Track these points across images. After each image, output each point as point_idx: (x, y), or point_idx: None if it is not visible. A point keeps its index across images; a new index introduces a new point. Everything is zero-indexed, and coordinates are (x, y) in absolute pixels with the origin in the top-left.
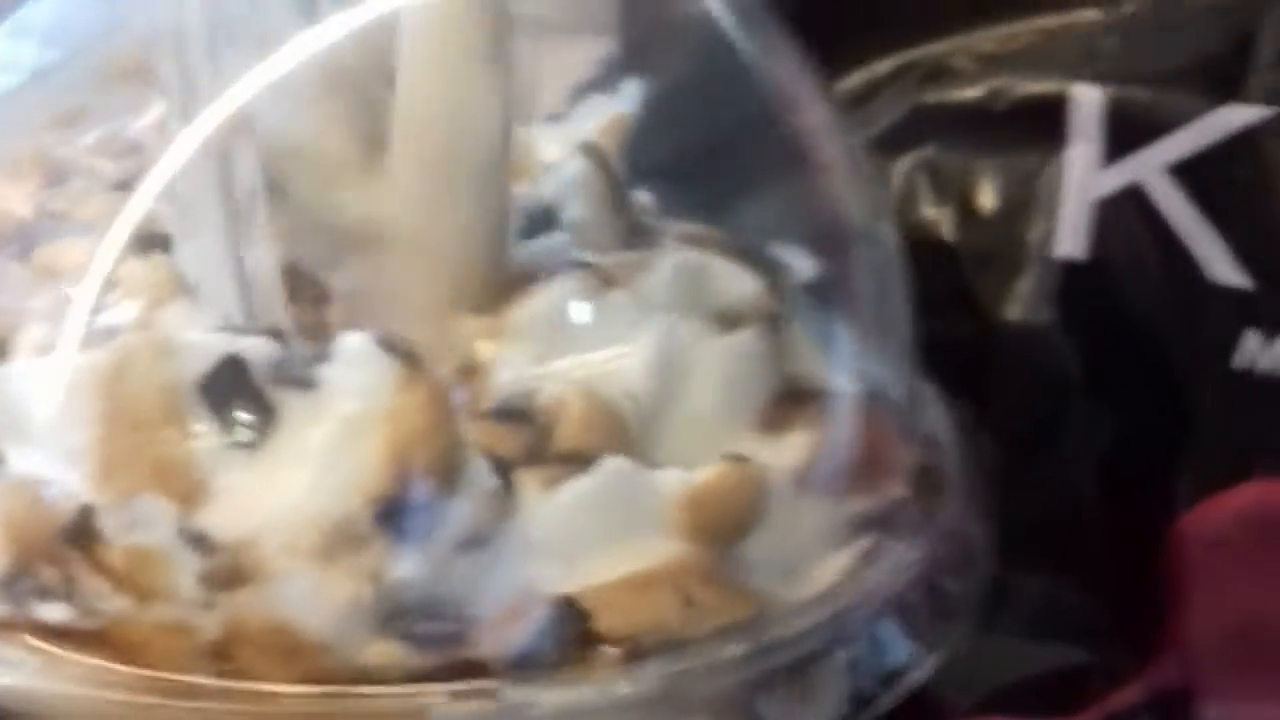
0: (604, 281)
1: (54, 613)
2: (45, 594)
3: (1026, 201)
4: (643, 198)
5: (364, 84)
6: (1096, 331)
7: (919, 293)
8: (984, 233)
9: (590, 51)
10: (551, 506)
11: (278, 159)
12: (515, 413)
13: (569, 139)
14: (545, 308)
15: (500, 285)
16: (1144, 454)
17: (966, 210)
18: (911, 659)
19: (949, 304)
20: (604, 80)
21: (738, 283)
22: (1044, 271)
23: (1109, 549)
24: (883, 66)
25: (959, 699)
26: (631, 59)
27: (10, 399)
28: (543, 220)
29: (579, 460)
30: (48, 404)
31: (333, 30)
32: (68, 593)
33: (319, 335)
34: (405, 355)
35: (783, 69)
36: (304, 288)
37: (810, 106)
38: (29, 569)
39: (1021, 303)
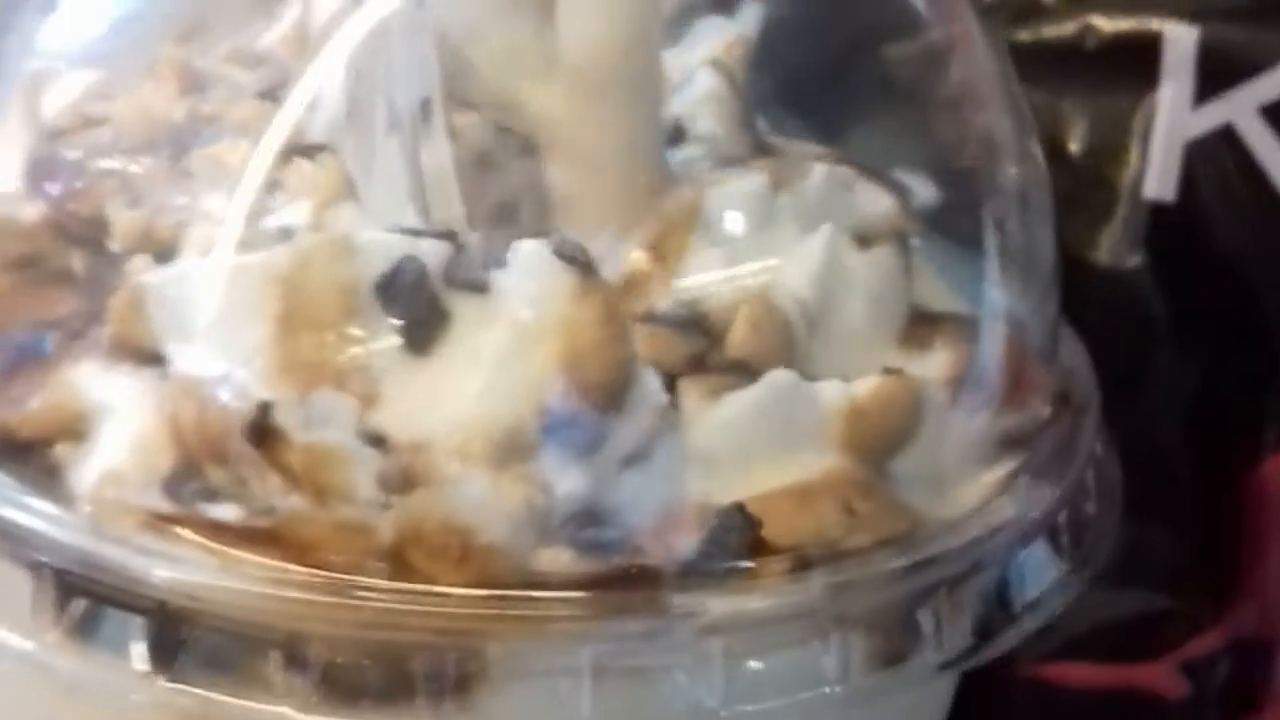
0: (774, 184)
1: (223, 512)
2: (213, 495)
3: (1116, 142)
4: (760, 123)
5: None
6: (1185, 275)
7: None
8: (1072, 174)
9: None
10: (715, 419)
11: (457, 52)
12: (683, 320)
13: (687, 59)
14: (725, 210)
15: (658, 193)
16: (1230, 399)
17: (1055, 151)
18: (1057, 581)
19: None
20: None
21: (873, 199)
22: (1133, 214)
23: (1193, 495)
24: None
25: (1036, 645)
26: None
27: (177, 297)
28: (673, 136)
29: (745, 370)
30: (220, 302)
31: None
32: (236, 492)
33: (494, 239)
34: (581, 264)
35: None
36: (481, 190)
37: (957, 17)
38: (196, 469)
39: (1110, 245)
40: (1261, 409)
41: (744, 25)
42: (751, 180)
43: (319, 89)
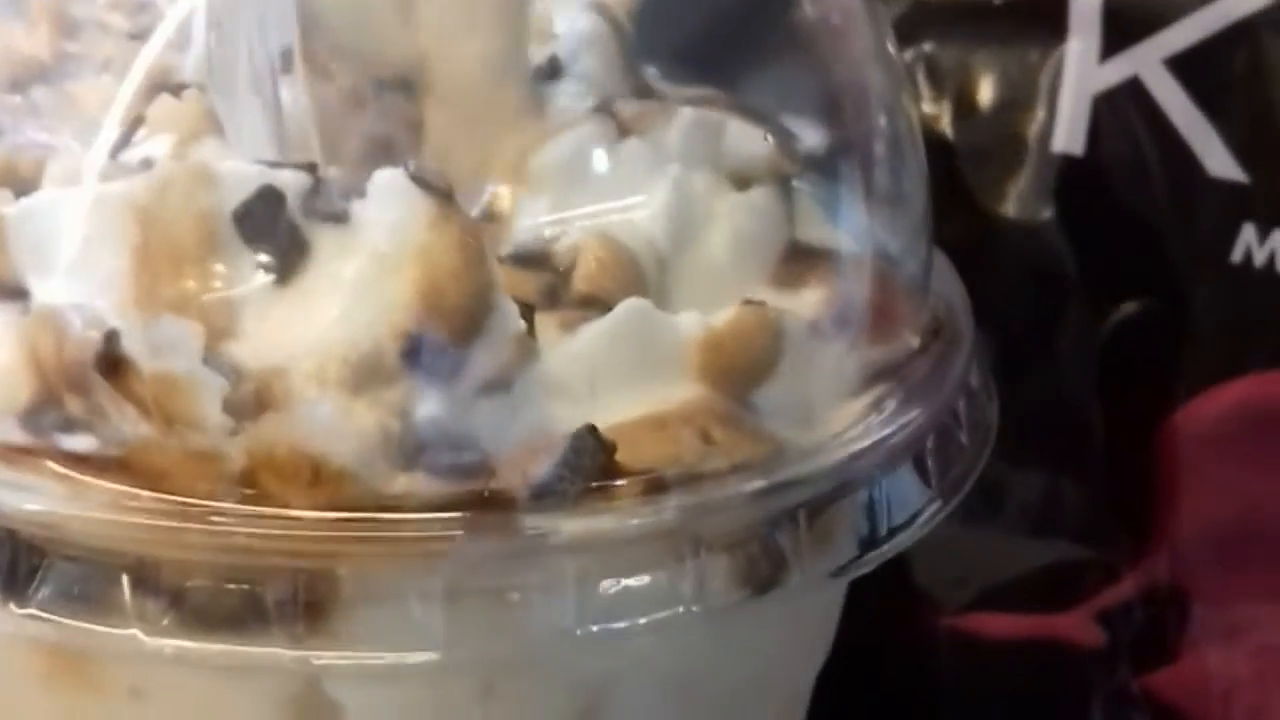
0: (621, 129)
1: (79, 443)
2: (70, 425)
3: (1024, 96)
4: (650, 73)
5: None
6: (1094, 227)
7: None
8: (981, 128)
9: None
10: (571, 348)
11: (311, 5)
12: (533, 257)
13: (579, 5)
14: (564, 154)
15: (522, 129)
16: (1140, 349)
17: (964, 105)
18: (922, 507)
19: (946, 200)
20: None
21: (750, 142)
22: (1042, 167)
23: (1105, 445)
24: None
25: (953, 596)
26: None
27: (37, 229)
28: (549, 71)
29: (596, 304)
30: (79, 233)
31: None
32: (93, 423)
33: (357, 171)
34: (438, 191)
35: None
36: (353, 129)
37: None
38: (54, 400)
39: (1019, 199)
40: (1172, 360)
41: None
42: (597, 126)
43: (189, 31)
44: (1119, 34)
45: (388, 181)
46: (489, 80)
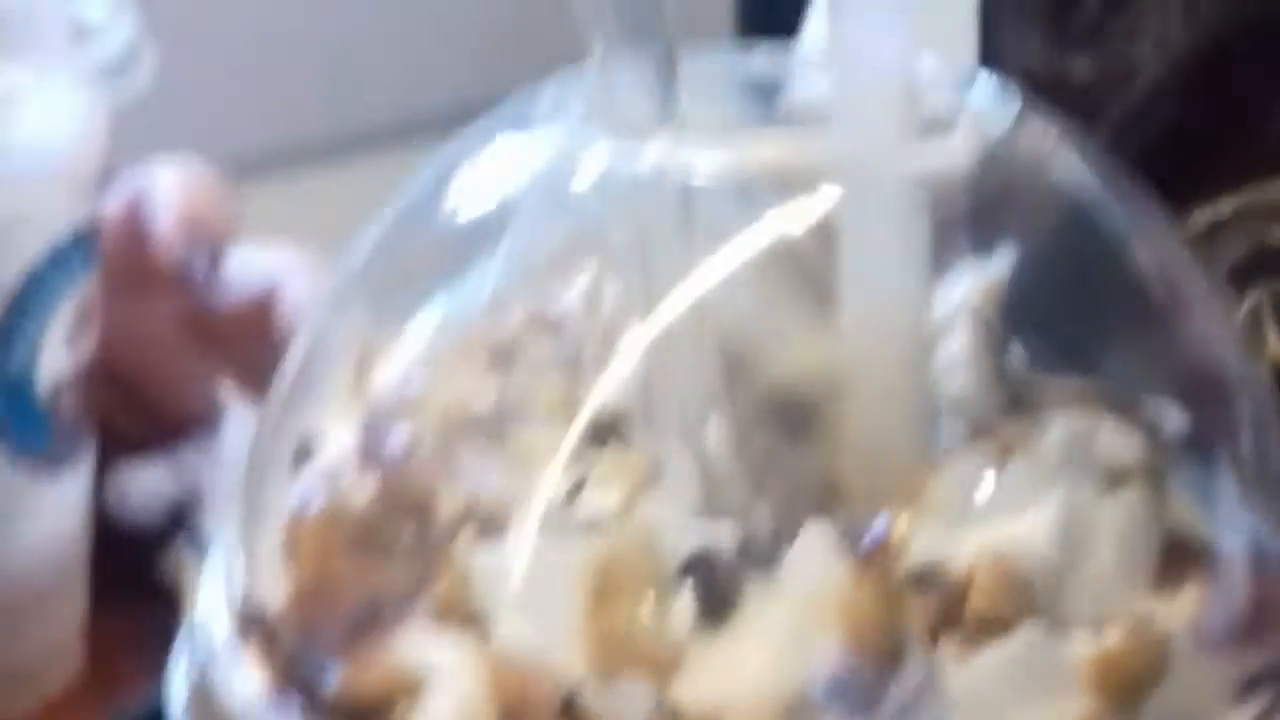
0: (1003, 449)
1: None
2: None
3: None
4: (1014, 352)
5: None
6: None
7: None
8: None
9: None
10: (971, 672)
11: (732, 341)
12: (929, 580)
13: (944, 303)
14: (955, 480)
15: (910, 454)
16: None
17: None
18: None
19: None
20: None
21: (1122, 440)
22: None
23: None
24: (1226, 206)
25: None
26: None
27: (503, 574)
28: None
29: (994, 625)
30: (536, 582)
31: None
32: None
33: (781, 522)
34: (859, 545)
35: (1142, 223)
36: (768, 479)
37: (1175, 260)
38: None
39: None
40: None
41: (998, 267)
42: (983, 451)
43: (619, 385)
44: None
45: (813, 534)
46: (893, 428)
